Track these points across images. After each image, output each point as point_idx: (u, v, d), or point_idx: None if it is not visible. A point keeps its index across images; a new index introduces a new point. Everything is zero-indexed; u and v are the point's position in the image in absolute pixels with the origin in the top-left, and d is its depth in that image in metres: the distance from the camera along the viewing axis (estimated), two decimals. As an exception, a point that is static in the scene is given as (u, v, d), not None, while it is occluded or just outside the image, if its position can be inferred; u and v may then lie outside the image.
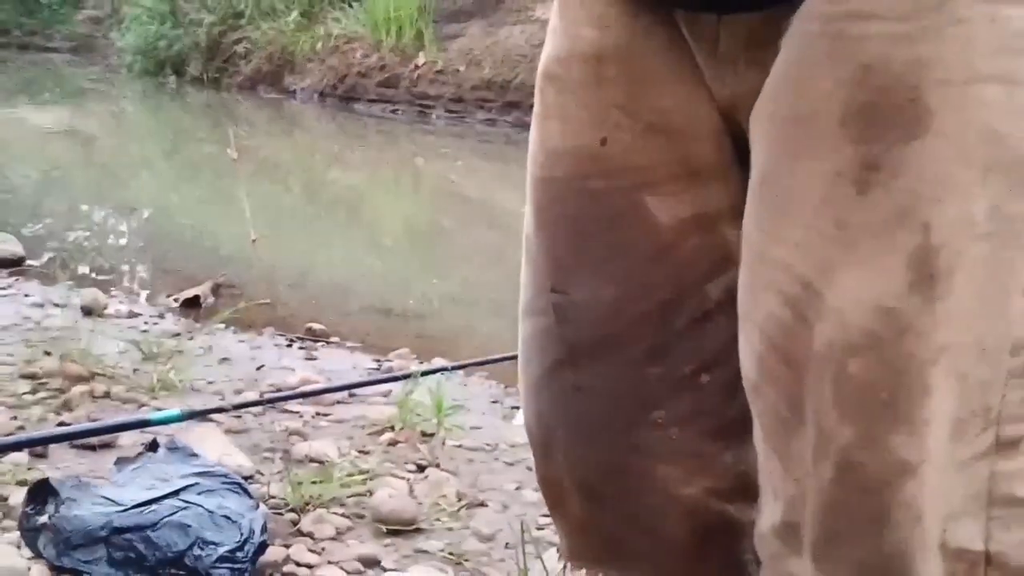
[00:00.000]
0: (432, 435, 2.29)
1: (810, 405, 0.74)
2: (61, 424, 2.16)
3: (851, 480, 0.72)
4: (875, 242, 0.70)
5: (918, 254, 0.69)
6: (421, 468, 2.12)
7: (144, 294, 4.08)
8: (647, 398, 0.87)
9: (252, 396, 2.47)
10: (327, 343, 3.31)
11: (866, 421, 0.71)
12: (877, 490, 0.71)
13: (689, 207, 0.85)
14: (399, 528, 1.82)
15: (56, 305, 3.12)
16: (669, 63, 0.84)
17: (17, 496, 1.75)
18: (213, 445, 2.05)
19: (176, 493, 1.66)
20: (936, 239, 0.69)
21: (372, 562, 1.72)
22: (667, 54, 0.84)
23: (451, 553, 1.76)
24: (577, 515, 0.93)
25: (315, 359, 3.06)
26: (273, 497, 1.88)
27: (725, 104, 0.84)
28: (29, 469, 1.90)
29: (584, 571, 0.98)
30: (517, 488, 2.10)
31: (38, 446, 1.99)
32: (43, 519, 1.61)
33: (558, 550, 0.98)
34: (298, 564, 1.68)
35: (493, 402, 2.81)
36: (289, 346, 3.21)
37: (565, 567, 1.03)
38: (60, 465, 1.96)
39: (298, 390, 2.50)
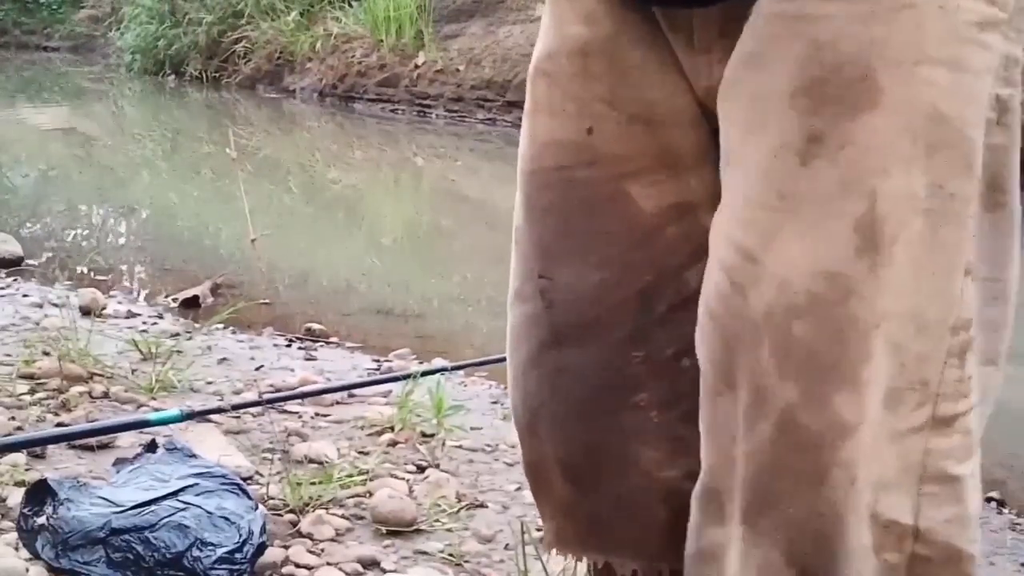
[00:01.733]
0: (432, 436, 2.28)
1: (743, 370, 0.75)
2: (59, 424, 2.15)
3: (791, 439, 0.73)
4: (818, 210, 0.73)
5: (864, 221, 0.72)
6: (421, 469, 2.11)
7: (143, 294, 4.07)
8: (629, 381, 0.89)
9: (251, 396, 2.46)
10: (326, 343, 3.31)
11: (810, 381, 0.73)
12: (816, 448, 0.72)
13: (670, 195, 0.88)
14: (399, 529, 1.82)
15: (54, 305, 3.11)
16: (652, 57, 0.87)
17: (15, 497, 1.74)
18: (212, 445, 2.04)
19: (175, 494, 1.66)
20: (881, 208, 0.72)
21: (371, 563, 1.71)
22: (650, 48, 0.87)
23: (451, 554, 1.76)
24: (560, 497, 0.94)
25: (314, 359, 3.05)
26: (272, 498, 1.87)
27: (703, 94, 0.86)
28: (27, 470, 1.90)
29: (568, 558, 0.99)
30: (517, 489, 2.09)
31: (36, 447, 1.99)
32: (41, 520, 1.60)
33: (542, 540, 0.99)
34: (297, 565, 1.68)
35: (493, 402, 2.80)
36: (288, 346, 3.20)
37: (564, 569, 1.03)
38: (58, 466, 1.96)
39: (297, 390, 2.49)
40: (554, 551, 0.98)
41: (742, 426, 0.76)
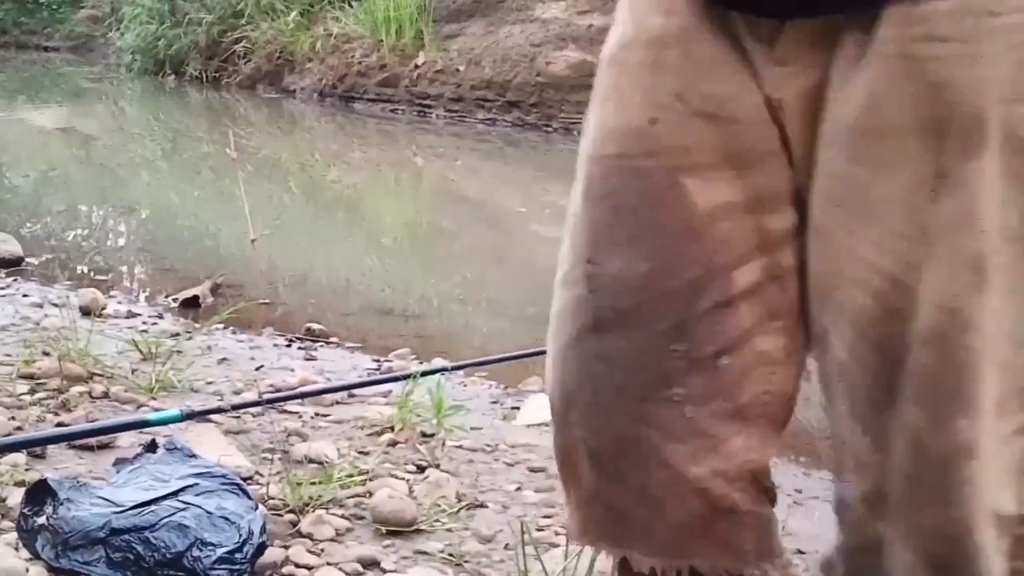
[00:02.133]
0: (432, 436, 2.28)
1: (897, 388, 0.82)
2: (59, 424, 2.16)
3: (922, 458, 0.82)
4: (945, 246, 0.79)
5: (978, 258, 0.79)
6: (421, 469, 2.11)
7: (143, 294, 4.07)
8: (666, 374, 0.90)
9: (251, 396, 2.46)
10: (326, 343, 3.31)
11: (935, 406, 0.81)
12: (943, 468, 0.81)
13: (726, 193, 0.89)
14: (399, 529, 1.82)
15: (54, 305, 3.11)
16: (726, 54, 0.89)
17: (15, 497, 1.74)
18: (212, 446, 2.04)
19: (175, 494, 1.66)
20: (988, 245, 0.79)
21: (371, 563, 1.71)
22: (725, 46, 0.89)
23: (451, 554, 1.76)
24: (586, 486, 0.95)
25: (314, 359, 3.05)
26: (272, 498, 1.87)
27: (774, 102, 0.88)
28: (27, 470, 1.90)
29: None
30: (517, 489, 2.09)
31: (36, 447, 1.99)
32: (41, 520, 1.60)
33: (566, 532, 1.00)
34: (297, 565, 1.68)
35: (493, 402, 2.80)
36: (288, 346, 3.20)
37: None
38: (58, 466, 1.96)
39: (297, 390, 2.49)
40: (576, 542, 1.00)
41: (895, 437, 0.84)
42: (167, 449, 1.85)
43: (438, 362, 2.87)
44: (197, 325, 3.25)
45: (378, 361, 3.09)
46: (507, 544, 1.80)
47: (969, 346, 0.79)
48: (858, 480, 0.87)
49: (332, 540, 1.77)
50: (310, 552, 1.72)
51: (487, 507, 1.97)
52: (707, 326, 0.89)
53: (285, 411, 2.41)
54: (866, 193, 0.82)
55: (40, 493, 1.65)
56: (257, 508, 1.72)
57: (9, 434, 2.04)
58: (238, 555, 1.58)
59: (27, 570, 1.56)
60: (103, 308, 3.33)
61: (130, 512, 1.60)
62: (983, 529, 0.82)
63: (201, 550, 1.56)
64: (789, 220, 0.90)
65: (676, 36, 0.90)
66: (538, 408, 2.72)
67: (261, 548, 1.64)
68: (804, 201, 0.89)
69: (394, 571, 1.70)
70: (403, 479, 2.03)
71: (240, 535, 1.60)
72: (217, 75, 10.73)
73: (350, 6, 9.87)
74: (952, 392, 0.80)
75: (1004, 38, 0.78)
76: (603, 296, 0.91)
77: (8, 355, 2.59)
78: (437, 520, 1.87)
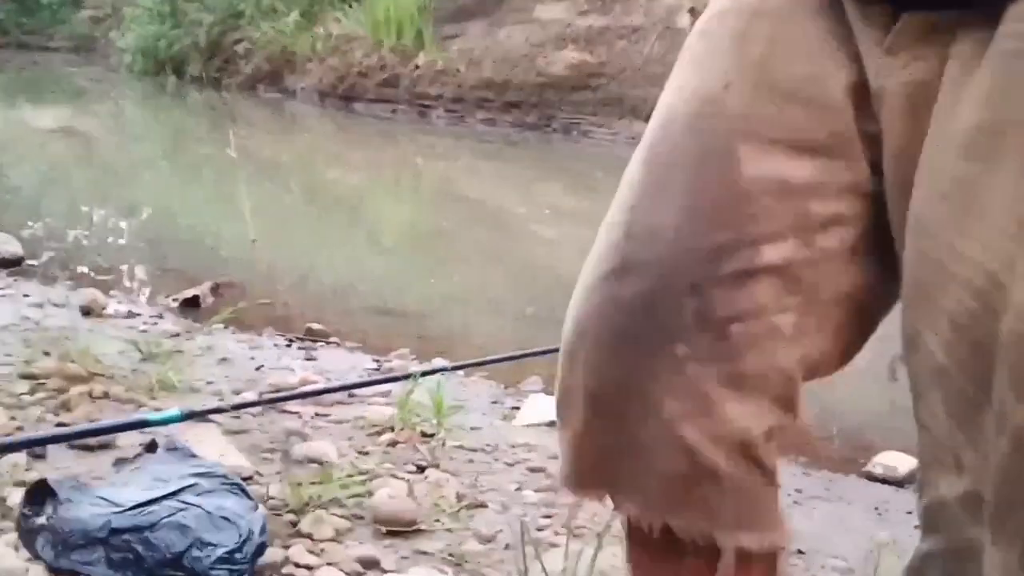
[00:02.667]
0: (432, 436, 2.28)
1: (995, 387, 0.81)
2: (60, 424, 2.16)
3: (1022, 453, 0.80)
4: None
5: None
6: (421, 469, 2.11)
7: (143, 294, 4.07)
8: (674, 330, 0.91)
9: (251, 396, 2.46)
10: (327, 343, 3.31)
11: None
12: None
13: (777, 169, 0.90)
14: (399, 529, 1.82)
15: (55, 305, 3.11)
16: (825, 33, 0.90)
17: (15, 497, 1.74)
18: (212, 446, 2.04)
19: (175, 494, 1.66)
20: None
21: (371, 563, 1.71)
22: (827, 25, 0.90)
23: (451, 554, 1.76)
24: (579, 428, 0.96)
25: (315, 359, 3.05)
26: (272, 498, 1.87)
27: (874, 89, 0.88)
28: (27, 470, 1.89)
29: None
30: (517, 489, 2.10)
31: (36, 447, 1.99)
32: (41, 520, 1.60)
33: (559, 476, 1.01)
34: (297, 565, 1.68)
35: (493, 402, 2.80)
36: (288, 346, 3.20)
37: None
38: (59, 466, 1.95)
39: (297, 390, 2.49)
40: (564, 487, 1.00)
41: (994, 435, 0.82)
42: (167, 449, 1.85)
43: (438, 362, 2.87)
44: (197, 325, 3.26)
45: (378, 361, 3.09)
46: (507, 544, 1.80)
47: None
48: (956, 481, 0.87)
49: (332, 540, 1.77)
50: (310, 552, 1.72)
51: (487, 507, 1.97)
52: (724, 291, 0.90)
53: (285, 411, 2.41)
54: (977, 191, 0.82)
55: (40, 493, 1.65)
56: (257, 508, 1.71)
57: (9, 434, 2.04)
58: (238, 555, 1.58)
59: (27, 570, 1.56)
60: (103, 308, 3.33)
61: (130, 512, 1.60)
62: None
63: (201, 550, 1.56)
64: (841, 208, 0.90)
65: (773, 9, 0.91)
66: (538, 408, 2.72)
67: (261, 548, 1.64)
68: (879, 191, 0.89)
69: (394, 571, 1.70)
70: (403, 479, 2.03)
71: (240, 535, 1.60)
72: (217, 76, 10.74)
73: (350, 7, 9.87)
74: None
75: None
76: (633, 243, 0.93)
77: (9, 355, 2.59)
78: (437, 520, 1.87)
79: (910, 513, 1.92)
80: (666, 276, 0.91)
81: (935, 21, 0.85)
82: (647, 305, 0.92)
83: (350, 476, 1.97)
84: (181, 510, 1.61)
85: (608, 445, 0.95)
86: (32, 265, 4.15)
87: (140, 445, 1.95)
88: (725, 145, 0.90)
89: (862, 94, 0.89)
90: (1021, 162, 0.80)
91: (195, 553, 1.55)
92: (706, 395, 0.91)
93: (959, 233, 0.83)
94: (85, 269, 4.27)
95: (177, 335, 3.04)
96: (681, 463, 0.91)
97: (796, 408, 0.94)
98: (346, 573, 1.67)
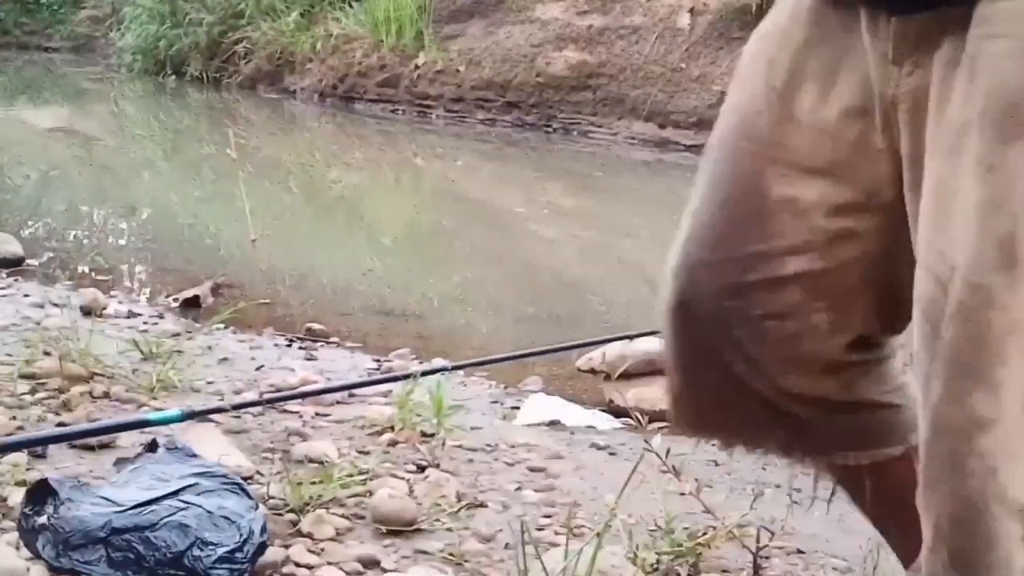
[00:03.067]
0: (432, 435, 2.28)
1: (931, 373, 0.88)
2: (60, 424, 2.16)
3: (938, 428, 0.85)
4: (980, 223, 0.84)
5: (1006, 240, 0.81)
6: (421, 468, 2.11)
7: (143, 294, 4.08)
8: (728, 319, 1.06)
9: (252, 396, 2.46)
10: (327, 343, 3.31)
11: (951, 378, 0.84)
12: (955, 439, 0.84)
13: (799, 192, 1.02)
14: (399, 529, 1.82)
15: (55, 305, 3.11)
16: (835, 62, 0.99)
17: (16, 496, 1.74)
18: (212, 445, 2.04)
19: (175, 493, 1.66)
20: (1020, 227, 0.79)
21: (372, 563, 1.71)
22: (838, 53, 0.99)
23: (451, 554, 1.76)
24: (675, 390, 1.14)
25: (315, 359, 3.05)
26: (272, 497, 1.87)
27: (889, 98, 0.96)
28: (28, 469, 1.90)
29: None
30: (517, 488, 2.10)
31: (37, 446, 1.99)
32: (42, 520, 1.60)
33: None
34: (297, 565, 1.68)
35: (493, 402, 2.80)
36: (289, 346, 3.21)
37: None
38: (59, 465, 1.96)
39: (298, 390, 2.49)
40: (675, 428, 1.21)
41: (924, 410, 0.90)
42: (168, 449, 1.85)
43: (438, 362, 2.87)
44: (198, 325, 3.26)
45: (378, 361, 3.09)
46: (507, 544, 1.80)
47: (990, 322, 0.81)
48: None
49: (332, 539, 1.77)
50: (310, 551, 1.72)
51: (487, 507, 1.98)
52: (759, 294, 1.04)
53: (285, 411, 2.41)
54: (951, 189, 0.88)
55: (41, 493, 1.65)
56: (257, 508, 1.72)
57: (10, 434, 2.04)
58: (238, 554, 1.58)
59: (28, 569, 1.56)
60: (104, 308, 3.33)
61: (131, 512, 1.60)
62: (999, 517, 0.82)
63: (202, 549, 1.56)
64: (850, 223, 1.01)
65: (797, 36, 1.01)
66: (538, 408, 2.72)
67: (262, 547, 1.64)
68: (902, 197, 0.97)
69: (394, 570, 1.70)
70: (403, 479, 2.03)
71: (241, 534, 1.61)
72: (217, 75, 10.73)
73: (350, 7, 9.87)
74: (969, 365, 0.82)
75: None
76: (692, 243, 1.08)
77: (9, 355, 2.59)
78: (437, 520, 1.87)
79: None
80: (713, 278, 1.06)
81: (925, 27, 0.91)
82: (704, 299, 1.07)
83: (350, 476, 1.97)
84: (182, 510, 1.61)
85: (698, 402, 1.13)
86: (32, 265, 4.15)
87: (141, 445, 1.95)
88: (756, 167, 1.04)
89: (866, 116, 0.98)
90: (975, 160, 0.85)
91: (196, 553, 1.56)
92: (767, 369, 1.06)
93: (936, 229, 0.89)
94: (85, 269, 4.27)
95: (177, 335, 3.04)
96: (761, 408, 1.07)
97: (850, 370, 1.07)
98: (346, 572, 1.67)
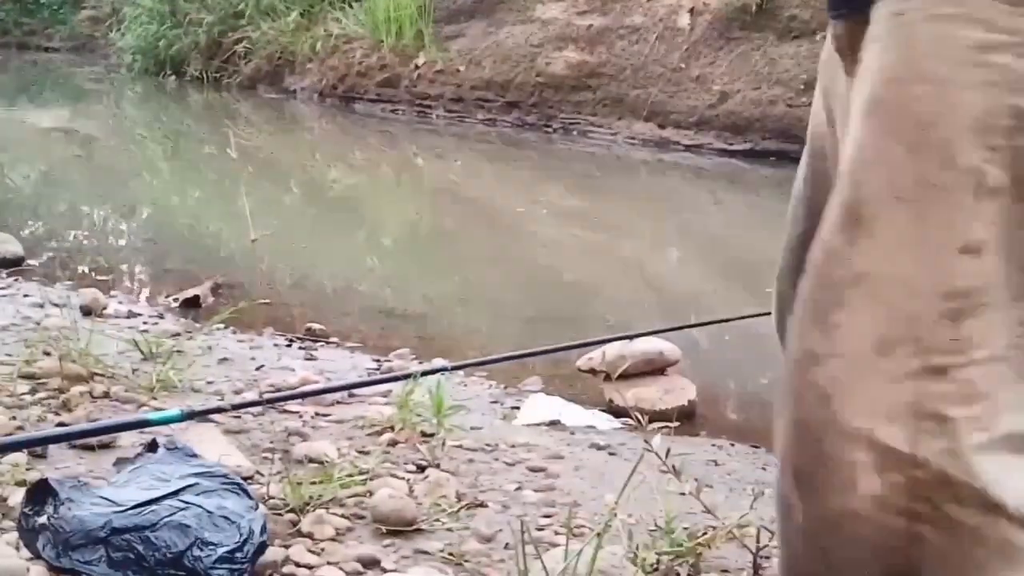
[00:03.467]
0: (432, 435, 2.28)
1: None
2: (60, 424, 2.16)
3: (786, 362, 0.96)
4: (835, 190, 0.94)
5: (850, 203, 0.91)
6: (421, 468, 2.11)
7: (144, 294, 4.08)
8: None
9: (252, 396, 2.46)
10: (327, 343, 3.31)
11: (801, 321, 0.95)
12: (792, 370, 0.94)
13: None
14: (399, 528, 1.82)
15: (55, 305, 3.11)
16: (841, 85, 1.07)
17: (16, 496, 1.74)
18: (212, 445, 2.04)
19: (175, 493, 1.66)
20: (864, 193, 0.91)
21: (372, 562, 1.71)
22: (842, 77, 1.07)
23: (451, 554, 1.76)
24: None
25: (315, 359, 3.05)
26: (273, 497, 1.87)
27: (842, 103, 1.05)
28: (28, 469, 1.90)
29: None
30: (517, 488, 2.10)
31: (37, 446, 1.99)
32: (42, 520, 1.60)
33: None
34: (297, 565, 1.68)
35: (493, 402, 2.80)
36: (289, 346, 3.21)
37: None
38: (59, 465, 1.96)
39: (298, 390, 2.49)
40: None
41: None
42: (168, 449, 1.85)
43: (438, 362, 2.87)
44: (198, 325, 3.26)
45: (378, 361, 3.10)
46: (507, 544, 1.81)
47: (829, 273, 0.92)
48: None
49: (332, 539, 1.77)
50: (310, 551, 1.72)
51: (487, 507, 1.98)
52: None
53: (285, 411, 2.41)
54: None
55: (41, 493, 1.65)
56: (257, 507, 1.72)
57: (10, 434, 2.04)
58: (239, 554, 1.58)
59: (28, 569, 1.56)
60: (104, 308, 3.34)
61: (131, 511, 1.60)
62: (838, 443, 0.89)
63: (202, 549, 1.56)
64: None
65: (833, 62, 1.10)
66: (538, 408, 2.73)
67: (262, 547, 1.64)
68: None
69: (394, 570, 1.70)
70: (403, 479, 2.03)
71: (241, 534, 1.61)
72: (218, 76, 10.74)
73: (350, 7, 9.87)
74: (812, 310, 0.93)
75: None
76: (789, 239, 1.22)
77: (9, 355, 2.59)
78: (437, 519, 1.87)
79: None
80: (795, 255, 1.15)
81: (851, 31, 1.00)
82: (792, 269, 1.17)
83: (350, 476, 1.97)
84: (182, 510, 1.61)
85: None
86: (32, 265, 4.15)
87: (141, 445, 1.95)
88: (825, 170, 1.12)
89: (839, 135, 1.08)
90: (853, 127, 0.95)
91: (196, 552, 1.56)
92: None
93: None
94: (85, 269, 4.28)
95: (177, 335, 3.04)
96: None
97: None
98: (346, 572, 1.67)
